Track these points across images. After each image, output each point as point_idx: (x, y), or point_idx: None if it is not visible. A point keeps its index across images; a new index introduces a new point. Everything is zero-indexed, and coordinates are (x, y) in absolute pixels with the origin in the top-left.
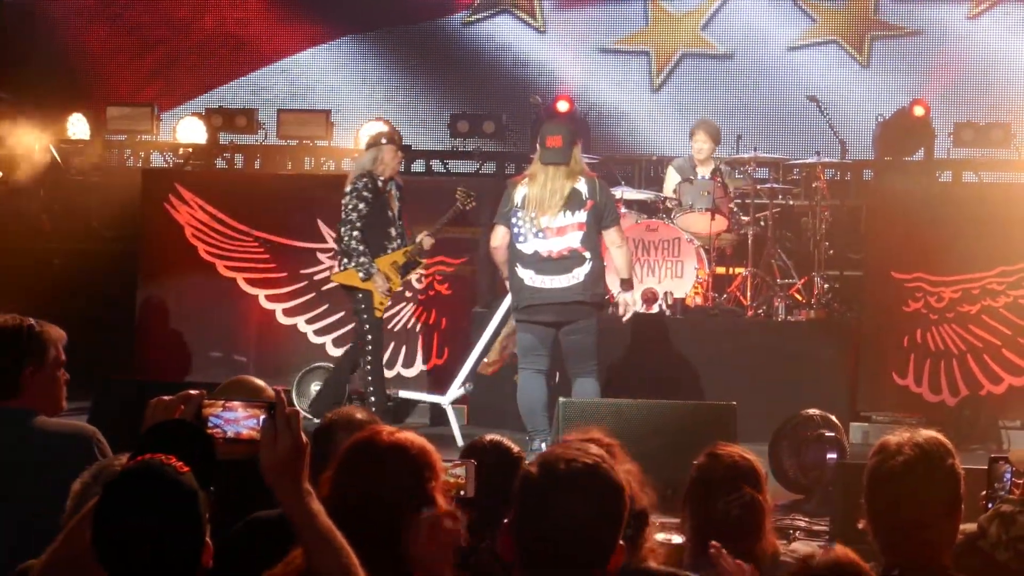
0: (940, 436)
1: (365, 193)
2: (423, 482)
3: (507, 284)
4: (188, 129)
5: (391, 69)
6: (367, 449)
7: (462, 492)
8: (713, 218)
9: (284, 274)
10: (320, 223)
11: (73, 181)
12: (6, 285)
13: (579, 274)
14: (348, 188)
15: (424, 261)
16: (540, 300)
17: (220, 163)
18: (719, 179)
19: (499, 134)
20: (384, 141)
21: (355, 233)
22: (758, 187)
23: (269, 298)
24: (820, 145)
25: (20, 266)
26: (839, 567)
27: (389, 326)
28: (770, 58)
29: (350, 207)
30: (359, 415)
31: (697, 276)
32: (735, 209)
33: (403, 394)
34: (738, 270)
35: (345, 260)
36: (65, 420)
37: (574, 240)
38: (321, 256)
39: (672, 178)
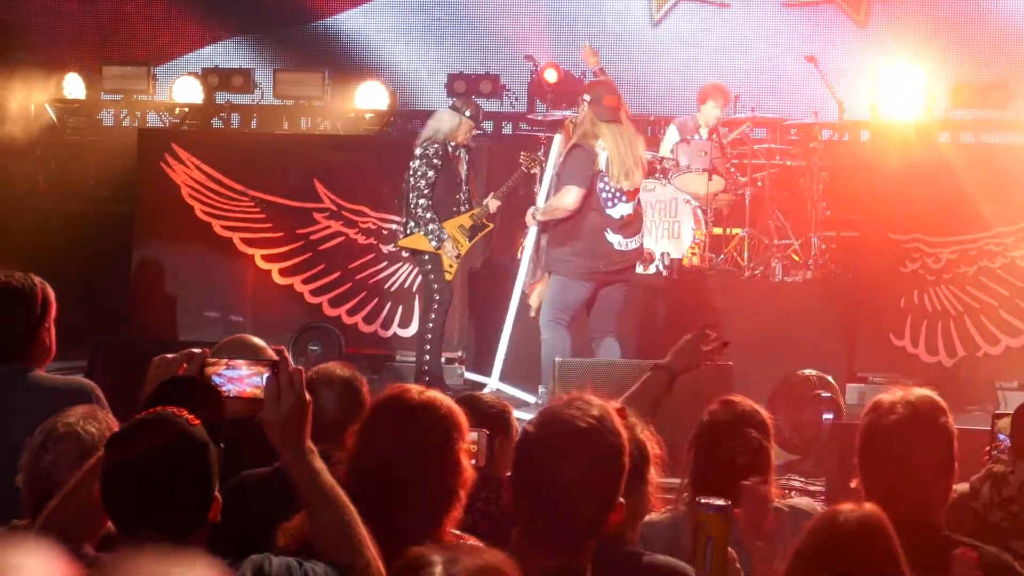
0: (933, 395)
1: (435, 160)
2: (450, 442)
3: (559, 247)
4: (184, 89)
5: (388, 28)
6: (396, 406)
7: (473, 461)
8: (710, 178)
9: (280, 234)
10: (317, 183)
11: (69, 141)
12: (2, 244)
13: (643, 231)
14: (418, 152)
15: (491, 224)
16: (627, 262)
17: (216, 123)
18: (716, 139)
19: (496, 94)
20: (468, 114)
21: (422, 201)
22: (755, 147)
23: (265, 258)
24: (818, 106)
25: (16, 225)
26: (866, 526)
27: (386, 286)
28: (767, 14)
29: (419, 174)
30: (339, 371)
31: (694, 237)
32: (732, 169)
33: (468, 376)
34: (735, 231)
35: (412, 225)
36: (64, 376)
37: (637, 201)
38: (317, 216)
39: (672, 136)
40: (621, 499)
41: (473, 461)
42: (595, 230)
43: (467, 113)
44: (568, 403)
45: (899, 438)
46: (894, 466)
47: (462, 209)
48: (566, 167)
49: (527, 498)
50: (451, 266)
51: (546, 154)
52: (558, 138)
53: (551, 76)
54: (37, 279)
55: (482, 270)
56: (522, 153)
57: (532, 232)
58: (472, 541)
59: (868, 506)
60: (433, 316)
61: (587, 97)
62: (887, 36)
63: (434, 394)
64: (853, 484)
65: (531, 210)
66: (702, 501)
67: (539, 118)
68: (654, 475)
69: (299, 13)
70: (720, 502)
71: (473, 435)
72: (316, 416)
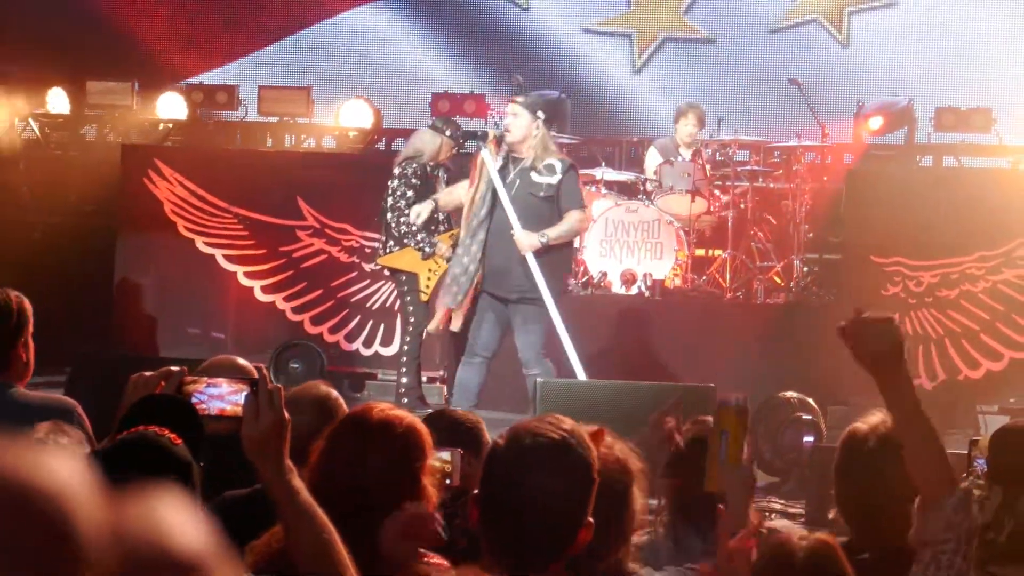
0: None
1: (414, 180)
2: (409, 462)
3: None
4: (168, 105)
5: (373, 47)
6: (356, 424)
7: (447, 480)
8: (693, 200)
9: (263, 251)
10: (300, 200)
11: (53, 155)
12: None
13: None
14: (396, 172)
15: None
16: None
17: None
18: (700, 161)
19: (480, 113)
20: (448, 134)
21: (403, 219)
22: (738, 169)
23: (248, 275)
24: (801, 128)
25: None
26: (816, 556)
27: (368, 304)
28: (752, 41)
29: (398, 194)
30: (312, 391)
31: (676, 258)
32: (716, 191)
33: None
34: (717, 252)
35: (391, 243)
36: (45, 393)
37: None
38: (300, 233)
39: (653, 157)
40: (590, 518)
41: (448, 480)
42: (571, 252)
43: (448, 133)
44: (539, 419)
45: (874, 466)
46: (871, 493)
47: (440, 229)
48: (571, 189)
49: (495, 515)
50: (427, 286)
51: None
52: (488, 153)
53: None
54: (13, 293)
55: None
56: None
57: (531, 259)
58: (437, 559)
59: (819, 535)
60: (408, 338)
61: (541, 115)
62: (870, 57)
63: (395, 413)
64: (831, 515)
65: (535, 236)
66: (722, 400)
67: None
68: (638, 495)
69: (284, 29)
70: (738, 399)
71: (446, 455)
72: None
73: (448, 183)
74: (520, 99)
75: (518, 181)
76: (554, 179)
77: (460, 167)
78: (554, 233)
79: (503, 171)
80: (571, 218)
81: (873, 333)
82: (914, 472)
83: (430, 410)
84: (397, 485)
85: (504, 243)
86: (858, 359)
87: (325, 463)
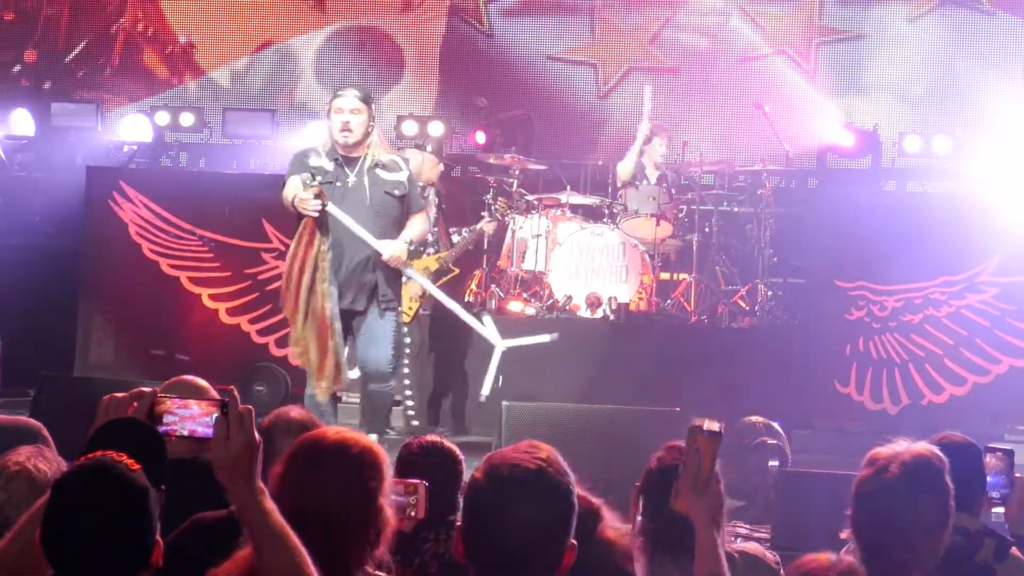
0: (933, 450)
1: None
2: (363, 482)
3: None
4: (133, 127)
5: (338, 70)
6: (311, 448)
7: (412, 513)
8: (658, 224)
9: (228, 273)
10: (265, 222)
11: (16, 177)
12: None
13: None
14: None
15: (456, 270)
16: None
17: (165, 161)
18: (665, 185)
19: (446, 135)
20: (429, 149)
21: None
22: (703, 193)
23: (212, 297)
24: (765, 153)
25: None
26: None
27: None
28: (718, 72)
29: None
30: (294, 414)
31: (641, 281)
32: (681, 215)
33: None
34: (682, 276)
35: None
36: (9, 416)
37: None
38: (265, 256)
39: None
40: (573, 540)
41: (412, 513)
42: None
43: (428, 148)
44: (514, 448)
45: (891, 495)
46: (885, 522)
47: (430, 251)
48: (416, 189)
49: (480, 547)
50: (410, 308)
51: (497, 198)
52: (333, 207)
53: (480, 139)
54: None
55: (436, 313)
56: (500, 199)
57: (413, 272)
58: None
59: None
60: (406, 361)
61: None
62: (836, 86)
63: (351, 435)
64: (843, 535)
65: (397, 246)
66: (696, 424)
67: (490, 161)
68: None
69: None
70: (715, 428)
71: (399, 490)
72: (271, 461)
73: (440, 206)
74: (356, 92)
75: (367, 182)
76: (403, 175)
77: (449, 189)
78: (416, 238)
79: (341, 179)
80: (420, 221)
81: None
82: None
83: (392, 432)
84: (352, 506)
85: (352, 253)
86: None
87: (281, 486)
